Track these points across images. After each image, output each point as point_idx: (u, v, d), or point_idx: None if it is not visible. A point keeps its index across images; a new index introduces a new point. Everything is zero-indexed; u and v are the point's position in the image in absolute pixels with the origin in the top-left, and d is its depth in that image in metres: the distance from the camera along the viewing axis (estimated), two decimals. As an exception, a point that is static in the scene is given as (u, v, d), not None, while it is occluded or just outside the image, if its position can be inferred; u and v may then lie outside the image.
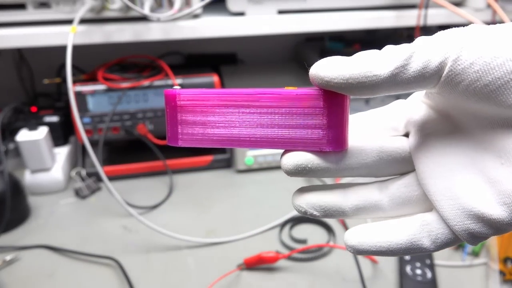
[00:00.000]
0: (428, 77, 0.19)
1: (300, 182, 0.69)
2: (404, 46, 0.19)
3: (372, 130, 0.25)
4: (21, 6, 0.62)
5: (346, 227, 0.56)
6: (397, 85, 0.19)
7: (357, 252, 0.23)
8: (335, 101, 0.21)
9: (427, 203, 0.23)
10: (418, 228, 0.22)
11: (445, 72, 0.19)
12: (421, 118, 0.24)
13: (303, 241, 0.55)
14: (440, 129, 0.23)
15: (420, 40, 0.19)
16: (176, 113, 0.24)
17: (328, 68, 0.20)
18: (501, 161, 0.20)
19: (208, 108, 0.23)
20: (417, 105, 0.24)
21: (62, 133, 0.73)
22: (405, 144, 0.24)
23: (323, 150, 0.22)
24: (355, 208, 0.24)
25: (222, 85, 0.76)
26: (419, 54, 0.19)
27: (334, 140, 0.22)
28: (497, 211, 0.19)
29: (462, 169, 0.21)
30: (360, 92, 0.20)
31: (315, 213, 0.23)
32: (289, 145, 0.23)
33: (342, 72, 0.20)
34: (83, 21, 0.61)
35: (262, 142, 0.23)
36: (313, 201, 0.23)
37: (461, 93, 0.19)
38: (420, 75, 0.19)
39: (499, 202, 0.19)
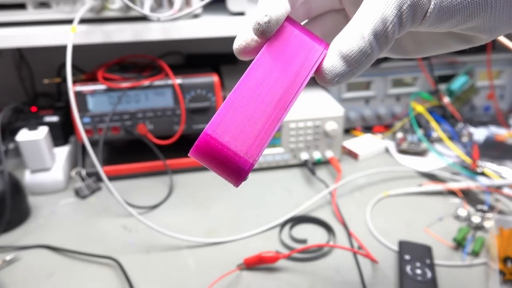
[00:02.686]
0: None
1: (300, 182, 0.69)
2: None
3: None
4: (21, 6, 0.62)
5: (346, 227, 0.56)
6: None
7: None
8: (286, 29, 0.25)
9: None
10: None
11: None
12: None
13: (303, 241, 0.55)
14: None
15: None
16: (219, 146, 0.23)
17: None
18: None
19: (232, 114, 0.23)
20: None
21: (62, 133, 0.73)
22: None
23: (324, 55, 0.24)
24: None
25: (222, 85, 0.76)
26: None
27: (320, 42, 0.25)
28: None
29: None
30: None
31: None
32: (305, 72, 0.24)
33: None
34: (83, 21, 0.61)
35: (290, 87, 0.24)
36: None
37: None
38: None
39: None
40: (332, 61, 0.23)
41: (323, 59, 0.24)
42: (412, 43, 0.29)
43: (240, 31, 0.26)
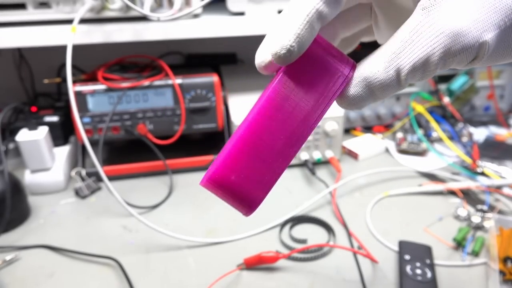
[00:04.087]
0: None
1: (300, 182, 0.69)
2: None
3: None
4: (21, 6, 0.62)
5: (346, 227, 0.56)
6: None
7: None
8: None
9: None
10: None
11: None
12: None
13: (303, 241, 0.55)
14: None
15: None
16: (234, 186, 0.23)
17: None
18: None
19: (242, 157, 0.23)
20: None
21: (62, 133, 0.73)
22: None
23: (350, 78, 0.23)
24: None
25: (222, 85, 0.76)
26: None
27: (346, 63, 0.23)
28: None
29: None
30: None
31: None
32: (326, 102, 0.23)
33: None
34: (83, 21, 0.61)
35: (304, 125, 0.23)
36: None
37: None
38: None
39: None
40: (357, 89, 0.21)
41: (346, 84, 0.22)
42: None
43: (261, 46, 0.24)
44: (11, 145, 0.74)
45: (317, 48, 0.22)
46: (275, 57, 0.21)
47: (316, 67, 0.22)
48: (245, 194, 0.23)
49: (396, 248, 0.52)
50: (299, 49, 0.20)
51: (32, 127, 0.65)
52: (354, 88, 0.22)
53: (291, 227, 0.58)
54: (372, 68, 0.21)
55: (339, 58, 0.23)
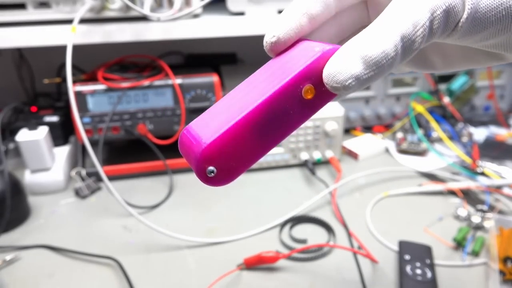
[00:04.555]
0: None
1: (300, 182, 0.69)
2: None
3: None
4: (21, 6, 0.62)
5: (346, 227, 0.56)
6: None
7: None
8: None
9: None
10: None
11: None
12: None
13: (303, 241, 0.55)
14: None
15: None
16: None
17: (344, 73, 0.20)
18: None
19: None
20: None
21: (62, 133, 0.73)
22: None
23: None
24: None
25: (222, 85, 0.76)
26: None
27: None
28: None
29: None
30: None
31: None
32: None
33: (361, 72, 0.20)
34: (83, 21, 0.61)
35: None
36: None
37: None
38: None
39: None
40: (348, 61, 0.20)
41: (329, 56, 0.21)
42: (441, 58, 0.27)
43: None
44: (11, 145, 0.74)
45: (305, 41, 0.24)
46: (264, 45, 0.24)
47: (297, 49, 0.23)
48: (193, 143, 0.22)
49: (396, 248, 0.52)
50: (284, 42, 0.23)
51: (32, 127, 0.65)
52: (345, 60, 0.20)
53: (291, 227, 0.58)
54: (363, 38, 0.20)
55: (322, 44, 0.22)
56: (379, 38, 0.20)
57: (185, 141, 0.23)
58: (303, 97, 0.22)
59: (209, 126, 0.22)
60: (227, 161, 0.21)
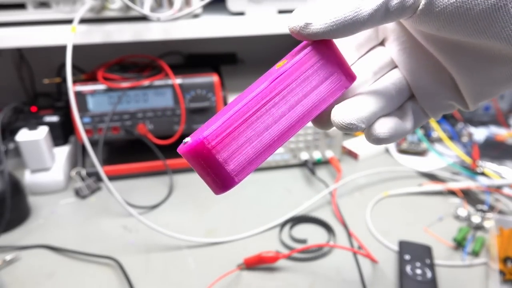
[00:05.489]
0: (405, 10, 0.21)
1: (300, 182, 0.69)
2: None
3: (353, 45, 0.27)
4: (21, 6, 0.62)
5: (346, 227, 0.56)
6: (379, 21, 0.22)
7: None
8: (326, 45, 0.23)
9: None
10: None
11: (418, 10, 0.21)
12: (396, 27, 0.26)
13: (303, 241, 0.55)
14: (411, 38, 0.26)
15: None
16: (214, 158, 0.21)
17: (314, 24, 0.22)
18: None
19: (237, 131, 0.22)
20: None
21: (62, 133, 0.73)
22: (386, 54, 0.27)
23: (347, 88, 0.24)
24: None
25: (222, 85, 0.76)
26: None
27: (348, 74, 0.24)
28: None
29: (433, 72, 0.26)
30: (345, 34, 0.22)
31: (362, 126, 0.24)
32: (323, 105, 0.24)
33: (329, 21, 0.21)
34: (83, 21, 0.61)
35: (302, 119, 0.23)
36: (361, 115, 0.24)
37: (437, 22, 0.21)
38: (399, 9, 0.21)
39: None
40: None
41: (344, 89, 0.24)
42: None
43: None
44: (11, 145, 0.74)
45: (335, 48, 0.24)
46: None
47: (328, 63, 0.23)
48: (225, 170, 0.22)
49: (396, 248, 0.52)
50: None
51: (32, 127, 0.65)
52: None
53: (291, 227, 0.58)
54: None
55: (345, 64, 0.24)
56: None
57: (209, 161, 0.22)
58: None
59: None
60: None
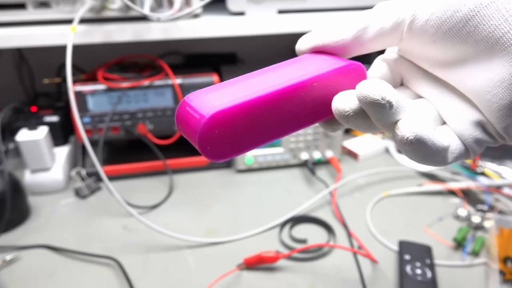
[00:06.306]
0: (386, 37, 0.24)
1: (300, 182, 0.69)
2: (364, 13, 0.24)
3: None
4: (21, 6, 0.62)
5: (346, 227, 0.56)
6: (362, 45, 0.24)
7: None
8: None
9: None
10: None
11: (405, 30, 0.23)
12: (408, 65, 0.27)
13: (303, 241, 0.55)
14: (422, 70, 0.26)
15: (378, 7, 0.24)
16: (216, 138, 0.20)
17: (304, 41, 0.26)
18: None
19: (251, 117, 0.21)
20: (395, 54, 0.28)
21: (62, 133, 0.73)
22: (409, 93, 0.27)
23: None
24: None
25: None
26: (374, 21, 0.24)
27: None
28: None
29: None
30: (344, 52, 0.25)
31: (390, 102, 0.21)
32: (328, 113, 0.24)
33: (315, 42, 0.25)
34: (83, 21, 0.61)
35: (314, 118, 0.24)
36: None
37: (424, 41, 0.23)
38: (378, 36, 0.24)
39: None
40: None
41: (355, 69, 0.24)
42: None
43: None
44: (11, 145, 0.74)
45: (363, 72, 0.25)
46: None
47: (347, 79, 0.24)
48: (194, 115, 0.20)
49: (396, 248, 0.52)
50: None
51: (32, 127, 0.65)
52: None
53: (291, 227, 0.58)
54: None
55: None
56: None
57: (190, 105, 0.21)
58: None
59: (220, 97, 0.21)
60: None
